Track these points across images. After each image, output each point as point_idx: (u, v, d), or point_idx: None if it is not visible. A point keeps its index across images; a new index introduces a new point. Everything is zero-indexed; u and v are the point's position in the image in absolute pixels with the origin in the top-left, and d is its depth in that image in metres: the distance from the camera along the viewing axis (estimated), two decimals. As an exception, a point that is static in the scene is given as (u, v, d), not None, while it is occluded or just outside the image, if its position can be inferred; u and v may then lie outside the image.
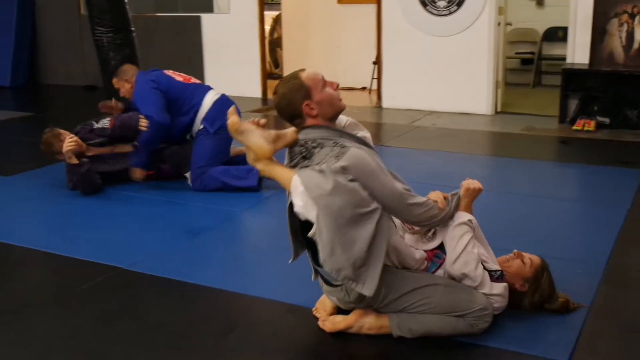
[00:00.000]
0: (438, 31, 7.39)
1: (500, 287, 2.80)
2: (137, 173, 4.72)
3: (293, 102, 2.69)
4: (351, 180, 2.52)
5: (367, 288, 2.60)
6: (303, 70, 2.75)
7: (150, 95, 4.64)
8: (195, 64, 8.82)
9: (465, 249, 2.73)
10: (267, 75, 8.81)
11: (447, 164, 5.42)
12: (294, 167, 2.70)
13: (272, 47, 10.35)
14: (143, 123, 4.58)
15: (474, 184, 2.91)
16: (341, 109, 2.78)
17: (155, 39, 8.98)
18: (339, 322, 2.81)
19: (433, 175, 5.15)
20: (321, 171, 2.54)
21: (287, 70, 9.90)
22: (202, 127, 4.69)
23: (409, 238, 2.91)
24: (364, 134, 2.95)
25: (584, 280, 3.25)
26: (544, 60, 9.07)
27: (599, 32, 6.67)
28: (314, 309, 2.96)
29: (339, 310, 2.89)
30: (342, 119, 2.97)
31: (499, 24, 7.24)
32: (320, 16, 9.44)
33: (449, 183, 4.78)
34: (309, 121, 2.71)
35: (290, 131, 2.73)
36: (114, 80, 4.89)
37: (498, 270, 2.84)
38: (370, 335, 2.78)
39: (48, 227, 4.16)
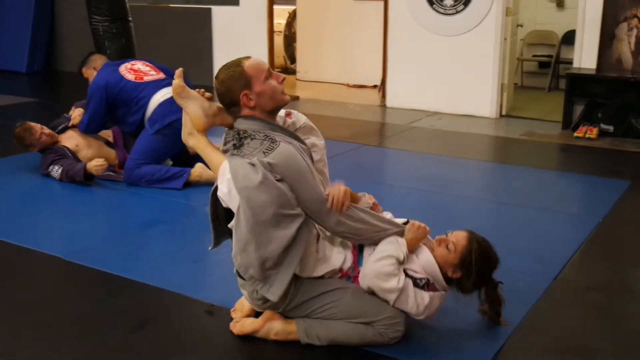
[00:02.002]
0: (444, 30, 7.23)
1: (426, 298, 2.68)
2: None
3: (231, 90, 2.59)
4: (279, 181, 2.46)
5: (273, 292, 2.54)
6: (248, 57, 2.65)
7: (92, 103, 4.66)
8: (204, 56, 8.83)
9: (379, 262, 2.57)
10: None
11: (429, 167, 5.29)
12: (225, 152, 2.64)
13: (288, 42, 10.30)
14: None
15: (421, 225, 2.68)
16: (283, 103, 2.67)
17: (167, 30, 9.02)
18: (247, 326, 2.74)
19: (409, 178, 5.04)
20: (252, 164, 2.47)
21: (301, 66, 9.84)
22: (147, 126, 4.64)
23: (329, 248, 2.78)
24: (316, 141, 2.84)
25: (523, 294, 3.12)
26: (562, 63, 8.80)
27: (607, 37, 6.44)
28: (232, 309, 2.91)
29: (256, 314, 2.82)
30: (300, 119, 2.87)
31: (508, 25, 7.04)
32: (335, 12, 9.32)
33: (424, 187, 4.72)
34: (245, 111, 2.62)
35: None
36: (83, 70, 4.91)
37: (423, 279, 2.70)
38: (280, 341, 2.70)
39: (2, 213, 4.17)
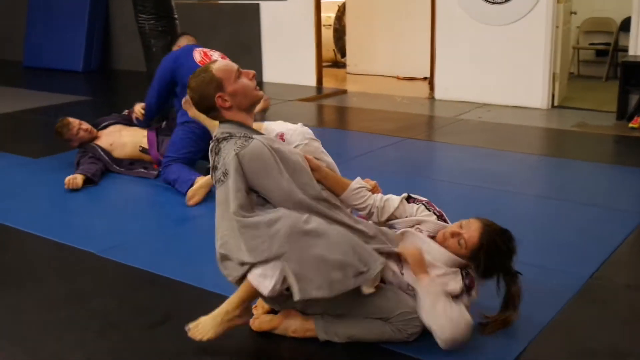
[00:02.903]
0: (493, 19, 7.06)
1: (463, 309, 2.55)
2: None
3: (205, 95, 2.63)
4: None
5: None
6: (215, 62, 2.71)
7: (159, 72, 4.79)
8: (254, 52, 8.87)
9: (446, 315, 2.49)
10: (322, 64, 8.70)
11: (473, 160, 5.17)
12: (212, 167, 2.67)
13: (338, 35, 10.25)
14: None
15: (410, 253, 2.58)
16: (258, 99, 2.71)
17: (216, 26, 9.10)
18: (265, 322, 2.74)
19: (452, 171, 4.95)
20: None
21: (351, 59, 9.78)
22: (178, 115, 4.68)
23: None
24: (324, 158, 2.87)
25: (556, 292, 3.01)
26: (620, 51, 8.47)
27: (664, 22, 6.17)
28: (254, 305, 2.90)
29: (276, 311, 2.81)
30: (293, 141, 2.84)
31: (560, 13, 6.82)
32: (385, 4, 9.23)
33: (467, 181, 4.61)
34: (225, 114, 2.66)
35: None
36: (173, 49, 5.03)
37: (465, 279, 2.63)
38: (298, 338, 2.69)
39: (44, 210, 4.27)
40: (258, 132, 2.68)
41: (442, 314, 2.49)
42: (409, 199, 2.82)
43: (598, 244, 3.56)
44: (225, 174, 2.56)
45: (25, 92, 8.51)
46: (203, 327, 2.59)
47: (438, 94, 7.66)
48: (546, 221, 4.01)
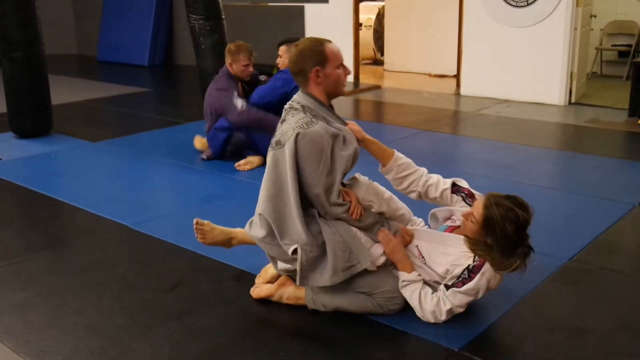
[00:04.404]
0: (516, 22, 6.91)
1: (461, 299, 2.52)
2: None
3: (306, 61, 2.59)
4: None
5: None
6: (330, 41, 2.66)
7: (274, 90, 4.62)
8: (298, 50, 8.89)
9: (421, 306, 2.55)
10: (359, 61, 8.68)
11: (482, 152, 5.11)
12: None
13: (378, 35, 10.19)
14: None
15: (385, 236, 2.63)
16: (341, 93, 2.70)
17: (265, 26, 9.18)
18: (263, 290, 2.80)
19: (463, 162, 4.90)
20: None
21: (388, 57, 9.72)
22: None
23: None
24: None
25: (532, 273, 2.93)
26: (641, 53, 8.19)
27: (677, 25, 5.93)
28: (258, 275, 2.96)
29: (277, 279, 2.86)
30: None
31: (578, 16, 6.63)
32: (419, 7, 9.13)
33: (473, 170, 4.56)
34: (311, 87, 2.62)
35: None
36: (283, 48, 4.83)
37: (464, 272, 2.52)
38: (291, 306, 2.74)
39: (90, 187, 4.41)
40: (333, 114, 2.65)
41: (417, 304, 2.55)
42: (454, 186, 2.76)
43: (586, 230, 3.50)
44: (278, 143, 2.56)
45: (94, 84, 8.77)
46: (207, 232, 2.90)
47: (463, 90, 7.56)
48: (543, 210, 3.90)
